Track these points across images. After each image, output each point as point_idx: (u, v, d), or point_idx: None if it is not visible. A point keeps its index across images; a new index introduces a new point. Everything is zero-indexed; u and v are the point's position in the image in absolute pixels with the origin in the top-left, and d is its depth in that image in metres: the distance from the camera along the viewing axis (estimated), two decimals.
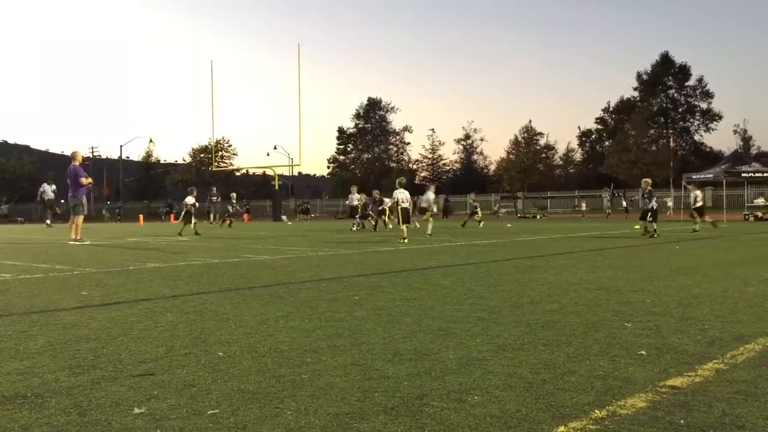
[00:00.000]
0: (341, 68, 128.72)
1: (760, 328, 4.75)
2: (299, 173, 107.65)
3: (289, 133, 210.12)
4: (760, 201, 36.17)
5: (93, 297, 6.86)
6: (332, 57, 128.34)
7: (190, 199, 23.04)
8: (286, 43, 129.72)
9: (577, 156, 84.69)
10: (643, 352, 4.02)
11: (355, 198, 28.19)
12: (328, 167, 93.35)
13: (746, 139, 69.89)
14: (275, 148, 64.44)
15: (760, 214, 32.63)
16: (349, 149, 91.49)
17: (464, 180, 79.03)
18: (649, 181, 20.13)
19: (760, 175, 33.24)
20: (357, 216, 27.68)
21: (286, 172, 67.03)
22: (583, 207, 51.24)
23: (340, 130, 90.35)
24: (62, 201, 47.52)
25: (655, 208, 18.76)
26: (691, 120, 74.53)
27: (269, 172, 64.03)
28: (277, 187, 52.89)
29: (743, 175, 32.63)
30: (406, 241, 16.41)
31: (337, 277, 8.55)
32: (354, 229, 26.15)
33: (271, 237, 21.04)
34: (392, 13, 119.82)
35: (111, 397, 3.18)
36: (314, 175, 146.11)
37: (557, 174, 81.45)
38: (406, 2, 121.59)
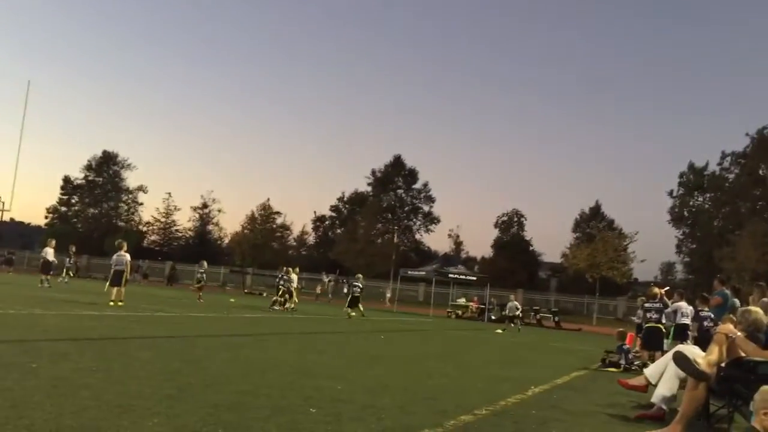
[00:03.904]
0: (78, 113, 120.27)
1: (428, 420, 5.14)
2: (11, 219, 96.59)
3: (4, 175, 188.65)
4: (462, 300, 40.18)
5: None
6: (68, 100, 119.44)
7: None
8: (16, 79, 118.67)
9: (311, 239, 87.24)
10: None
11: (50, 252, 25.33)
12: (47, 217, 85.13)
13: (458, 243, 77.73)
14: None
15: (460, 312, 36.19)
16: (73, 201, 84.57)
17: (196, 249, 76.95)
18: None
19: (464, 277, 37.11)
20: (51, 272, 24.93)
21: None
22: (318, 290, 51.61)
23: (66, 180, 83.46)
24: None
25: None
26: (414, 220, 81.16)
27: None
28: None
29: (450, 276, 36.10)
30: (121, 303, 15.73)
31: (19, 340, 7.65)
32: (46, 285, 23.48)
33: None
34: (132, 61, 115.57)
35: None
36: (29, 223, 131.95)
37: (290, 254, 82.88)
38: (146, 52, 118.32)
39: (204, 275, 25.54)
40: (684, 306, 13.71)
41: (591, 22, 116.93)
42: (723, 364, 5.41)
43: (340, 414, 5.03)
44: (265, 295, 45.53)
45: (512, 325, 26.48)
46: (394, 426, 4.79)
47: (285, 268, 25.64)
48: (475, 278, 39.33)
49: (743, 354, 5.40)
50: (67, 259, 31.15)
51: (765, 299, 10.73)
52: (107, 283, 16.79)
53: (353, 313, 22.78)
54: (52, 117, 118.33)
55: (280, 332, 13.20)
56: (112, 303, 15.79)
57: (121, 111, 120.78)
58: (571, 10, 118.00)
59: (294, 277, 24.63)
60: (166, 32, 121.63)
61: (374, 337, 14.64)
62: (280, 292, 24.31)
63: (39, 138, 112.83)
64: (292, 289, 24.24)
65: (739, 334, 5.50)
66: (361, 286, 24.12)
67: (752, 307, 6.40)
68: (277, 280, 25.26)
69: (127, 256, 16.97)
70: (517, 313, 27.47)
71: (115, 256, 17.04)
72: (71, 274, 31.89)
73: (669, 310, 14.67)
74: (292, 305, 23.85)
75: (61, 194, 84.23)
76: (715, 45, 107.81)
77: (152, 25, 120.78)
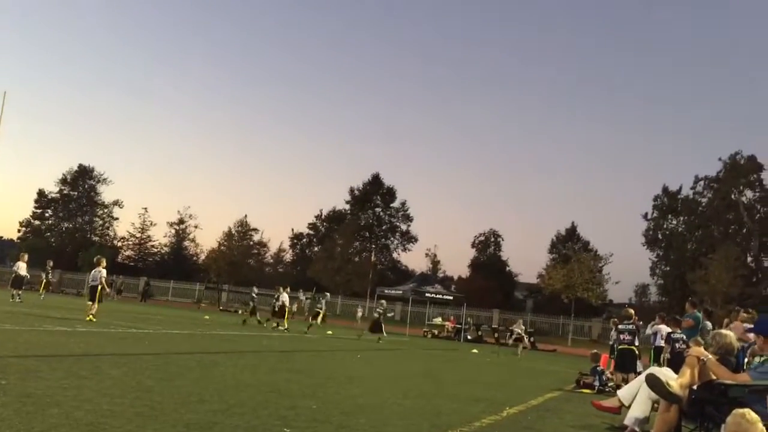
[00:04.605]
0: (54, 126, 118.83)
1: None
2: None
3: None
4: (438, 320, 40.19)
5: None
6: (43, 112, 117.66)
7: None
8: None
9: (288, 257, 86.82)
10: None
11: (23, 267, 24.99)
12: (19, 231, 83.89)
13: (435, 263, 77.83)
14: None
15: (436, 332, 36.20)
16: (47, 215, 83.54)
17: (171, 265, 76.27)
18: None
19: (440, 296, 37.16)
20: (22, 287, 24.71)
21: None
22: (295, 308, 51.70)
23: (41, 193, 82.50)
24: None
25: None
26: (392, 238, 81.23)
27: None
28: None
29: (427, 295, 36.14)
30: (88, 319, 15.75)
31: None
32: (18, 300, 23.21)
33: None
34: (110, 74, 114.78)
35: None
36: (1, 237, 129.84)
37: (267, 271, 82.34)
38: (124, 65, 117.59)
39: (256, 298, 26.04)
40: (664, 329, 13.82)
41: (568, 44, 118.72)
42: (695, 387, 5.47)
43: None
44: (240, 312, 45.19)
45: (521, 348, 25.39)
46: None
47: (279, 287, 26.16)
48: (451, 297, 39.40)
49: (715, 377, 5.47)
50: (44, 274, 30.86)
51: (737, 322, 10.89)
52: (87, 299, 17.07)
53: (379, 339, 23.37)
54: (28, 129, 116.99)
55: (255, 350, 13.09)
56: (89, 318, 15.90)
57: (98, 125, 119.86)
58: (551, 34, 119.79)
59: (285, 296, 24.89)
60: (144, 46, 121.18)
61: (350, 356, 14.58)
62: (283, 311, 24.88)
63: (13, 150, 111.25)
64: (285, 309, 24.54)
65: (710, 357, 5.57)
66: (381, 309, 24.55)
67: (724, 331, 6.49)
68: (274, 300, 25.75)
69: (103, 272, 17.08)
70: (521, 335, 26.33)
71: (92, 272, 17.19)
72: (49, 289, 31.54)
73: (649, 332, 14.82)
74: (286, 324, 24.17)
75: (35, 208, 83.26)
76: (689, 69, 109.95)
77: (129, 38, 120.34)
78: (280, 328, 23.77)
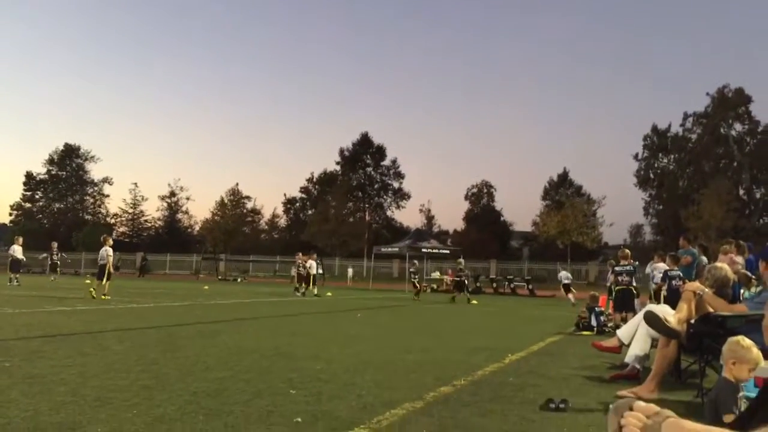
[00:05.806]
0: (37, 106, 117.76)
1: (408, 394, 5.18)
2: None
3: None
4: (436, 275, 40.42)
5: None
6: (26, 93, 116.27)
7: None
8: None
9: (282, 222, 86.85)
10: (299, 420, 4.14)
11: (18, 250, 24.98)
12: (11, 215, 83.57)
13: (430, 218, 78.10)
14: None
15: (435, 286, 36.45)
16: (37, 197, 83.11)
17: (166, 238, 76.23)
18: None
19: (437, 251, 37.31)
20: (20, 270, 24.74)
21: None
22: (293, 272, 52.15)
23: (29, 176, 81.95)
24: None
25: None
26: (385, 197, 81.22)
27: None
28: None
29: (423, 250, 36.26)
30: (104, 297, 16.32)
31: None
32: (16, 284, 23.23)
33: None
34: (93, 50, 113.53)
35: None
36: None
37: (262, 238, 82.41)
38: (103, 40, 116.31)
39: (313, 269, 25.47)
40: (663, 266, 13.90)
41: None
42: (692, 321, 5.53)
43: (321, 393, 5.06)
44: (239, 280, 45.36)
45: (570, 297, 24.51)
46: (374, 402, 4.82)
47: (300, 254, 26.38)
48: (448, 251, 39.56)
49: (712, 310, 5.52)
50: (50, 256, 30.93)
51: (731, 255, 10.98)
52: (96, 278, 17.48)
53: (454, 298, 24.21)
54: (11, 111, 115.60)
55: (257, 317, 13.17)
56: (94, 295, 16.34)
57: (81, 102, 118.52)
58: None
59: (312, 263, 24.98)
60: (127, 20, 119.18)
61: (351, 315, 14.69)
62: (302, 277, 24.99)
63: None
64: (312, 275, 24.64)
65: (706, 290, 5.62)
66: (461, 268, 25.17)
67: (719, 264, 6.54)
68: (297, 267, 25.84)
69: (110, 250, 17.12)
70: (567, 282, 25.55)
71: (101, 251, 17.26)
72: (57, 270, 31.53)
73: (649, 271, 14.93)
74: (315, 291, 24.36)
75: (25, 190, 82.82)
76: (673, 4, 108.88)
77: (113, 14, 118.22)
78: (306, 294, 23.92)
